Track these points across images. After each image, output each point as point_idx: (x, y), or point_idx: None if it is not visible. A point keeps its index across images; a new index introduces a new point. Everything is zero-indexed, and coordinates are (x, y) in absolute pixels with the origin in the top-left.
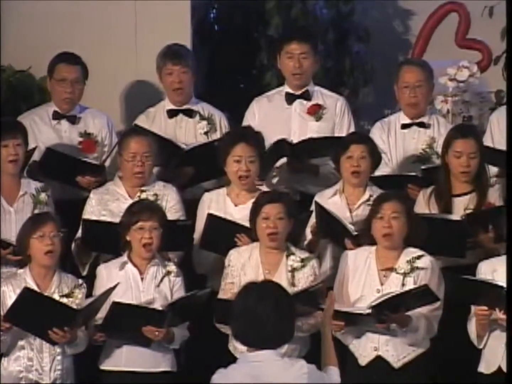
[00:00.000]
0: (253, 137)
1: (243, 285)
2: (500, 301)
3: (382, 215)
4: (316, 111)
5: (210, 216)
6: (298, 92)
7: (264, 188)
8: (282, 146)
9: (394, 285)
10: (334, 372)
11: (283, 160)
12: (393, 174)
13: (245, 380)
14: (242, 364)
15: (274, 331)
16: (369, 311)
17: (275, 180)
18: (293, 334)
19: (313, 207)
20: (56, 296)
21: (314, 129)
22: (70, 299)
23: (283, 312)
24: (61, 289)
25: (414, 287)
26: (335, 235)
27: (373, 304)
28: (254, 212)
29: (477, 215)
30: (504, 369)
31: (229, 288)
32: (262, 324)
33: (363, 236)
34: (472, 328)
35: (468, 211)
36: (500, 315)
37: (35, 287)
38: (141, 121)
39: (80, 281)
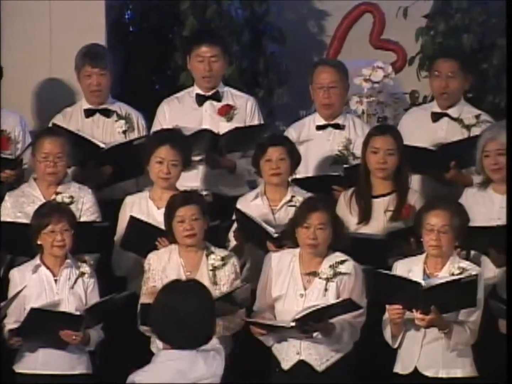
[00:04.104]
0: (179, 141)
1: (166, 283)
2: (416, 300)
3: (308, 225)
4: (227, 112)
5: (132, 219)
6: (208, 93)
7: None
8: (204, 136)
9: (317, 290)
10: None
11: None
12: (316, 175)
13: (175, 377)
14: (165, 362)
15: (196, 331)
16: (293, 324)
17: (188, 174)
18: (213, 333)
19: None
20: None
21: (225, 130)
22: None
23: (206, 311)
24: None
25: (337, 301)
26: (256, 239)
27: (297, 317)
28: (169, 216)
29: (397, 233)
30: (420, 370)
31: (151, 292)
32: (184, 324)
33: (285, 238)
34: (386, 327)
35: (388, 213)
36: (417, 315)
37: None
38: (58, 120)
39: None
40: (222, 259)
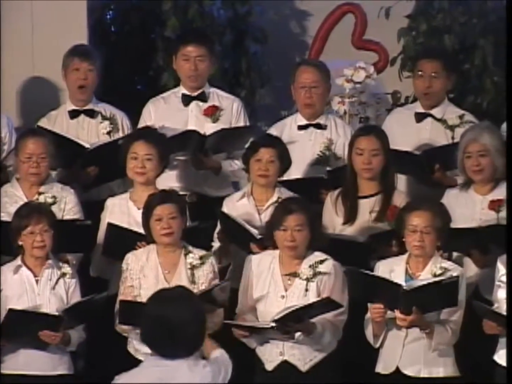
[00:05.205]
0: (153, 136)
1: (154, 293)
2: (397, 300)
3: (285, 228)
4: (213, 113)
5: (110, 226)
6: (194, 94)
7: None
8: (189, 137)
9: (297, 291)
10: (221, 355)
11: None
12: (299, 178)
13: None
14: (149, 368)
15: (187, 341)
16: (273, 324)
17: (172, 174)
18: (203, 341)
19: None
20: None
21: (211, 131)
22: None
23: (197, 322)
24: None
25: (316, 300)
26: (240, 240)
27: (276, 318)
28: (146, 215)
29: (380, 235)
30: (402, 369)
31: (129, 292)
32: (176, 334)
33: (268, 239)
34: (368, 327)
35: (374, 214)
36: (399, 315)
37: None
38: (43, 123)
39: None
40: (200, 258)
